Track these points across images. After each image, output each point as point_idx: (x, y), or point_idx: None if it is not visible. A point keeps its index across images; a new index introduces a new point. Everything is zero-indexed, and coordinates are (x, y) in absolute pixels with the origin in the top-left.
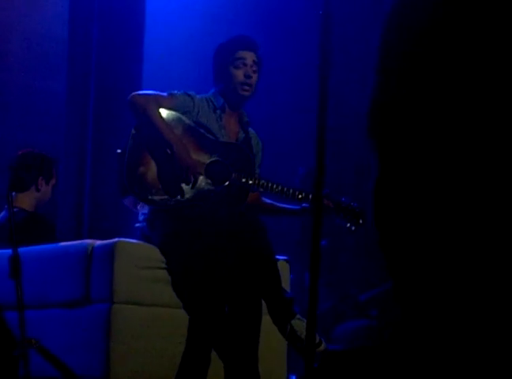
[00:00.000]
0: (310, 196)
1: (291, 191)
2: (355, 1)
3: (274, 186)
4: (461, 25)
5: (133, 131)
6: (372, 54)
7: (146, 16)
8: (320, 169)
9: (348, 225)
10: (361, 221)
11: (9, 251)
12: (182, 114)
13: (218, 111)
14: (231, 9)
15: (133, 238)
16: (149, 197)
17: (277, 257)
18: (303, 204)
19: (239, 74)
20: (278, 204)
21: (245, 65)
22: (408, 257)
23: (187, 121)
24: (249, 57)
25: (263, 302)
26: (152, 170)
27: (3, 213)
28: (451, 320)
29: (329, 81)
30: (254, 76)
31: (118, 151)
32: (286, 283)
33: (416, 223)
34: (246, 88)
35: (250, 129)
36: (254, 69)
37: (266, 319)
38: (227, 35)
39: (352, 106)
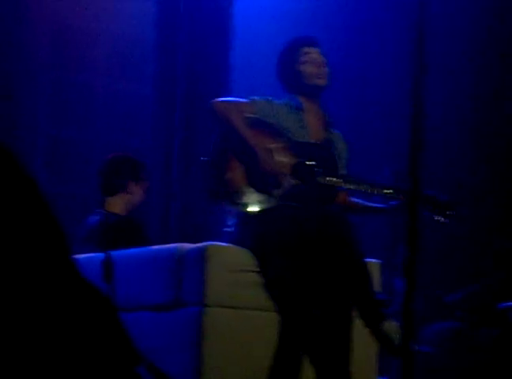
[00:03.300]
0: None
1: (378, 188)
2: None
3: (361, 183)
4: None
5: (216, 138)
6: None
7: (234, 21)
8: (414, 164)
9: (437, 218)
10: (450, 212)
11: (101, 255)
12: (264, 118)
13: (298, 112)
14: (321, 13)
15: (221, 242)
16: (238, 202)
17: (368, 259)
18: (391, 202)
19: (309, 68)
20: (366, 203)
21: (312, 58)
22: None
23: (270, 124)
24: (314, 52)
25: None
26: (239, 175)
27: (94, 217)
28: None
29: (423, 87)
30: (325, 68)
31: (203, 158)
32: (378, 285)
33: None
34: (320, 76)
35: (334, 130)
36: (323, 61)
37: (357, 321)
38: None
39: (446, 105)
